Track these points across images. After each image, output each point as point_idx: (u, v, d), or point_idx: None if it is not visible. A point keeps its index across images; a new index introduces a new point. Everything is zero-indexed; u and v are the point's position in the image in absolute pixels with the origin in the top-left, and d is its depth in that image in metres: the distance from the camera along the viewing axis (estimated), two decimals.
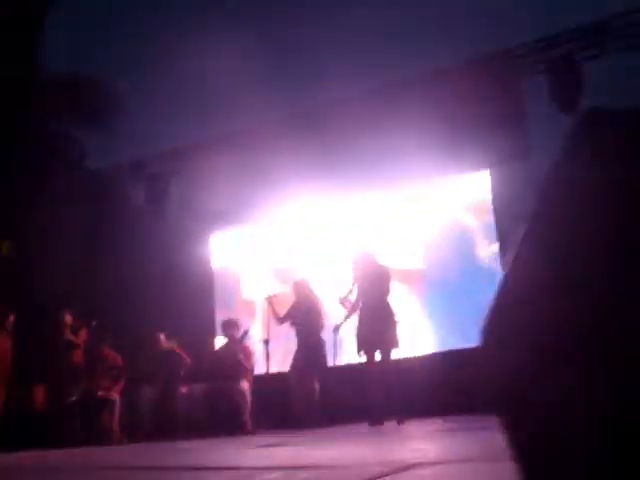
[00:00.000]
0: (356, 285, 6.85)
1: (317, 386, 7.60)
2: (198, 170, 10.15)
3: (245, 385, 7.86)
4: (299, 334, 7.85)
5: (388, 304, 6.68)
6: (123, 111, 8.88)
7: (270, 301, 8.07)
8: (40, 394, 9.15)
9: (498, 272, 8.56)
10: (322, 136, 9.23)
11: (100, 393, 8.44)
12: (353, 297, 6.91)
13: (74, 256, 11.00)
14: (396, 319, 6.65)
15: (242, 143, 9.68)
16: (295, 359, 7.72)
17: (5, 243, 8.28)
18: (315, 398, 7.56)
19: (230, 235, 10.67)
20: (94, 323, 8.82)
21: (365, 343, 6.50)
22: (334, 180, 9.30)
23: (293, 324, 7.93)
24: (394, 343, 6.57)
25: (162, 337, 8.78)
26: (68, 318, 9.05)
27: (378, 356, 6.63)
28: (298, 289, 8.03)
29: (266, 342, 8.05)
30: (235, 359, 7.99)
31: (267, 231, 10.34)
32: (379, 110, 8.99)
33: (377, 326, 6.47)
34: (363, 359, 6.61)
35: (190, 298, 9.85)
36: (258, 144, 9.55)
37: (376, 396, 6.47)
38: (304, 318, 7.79)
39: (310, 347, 7.66)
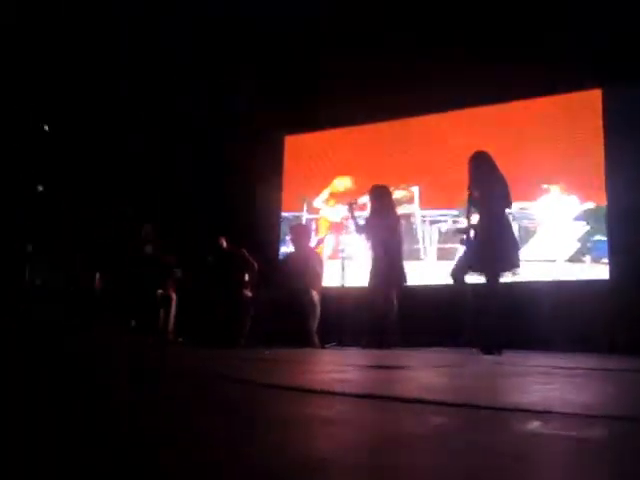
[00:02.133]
0: (471, 191, 5.58)
1: (396, 304, 6.58)
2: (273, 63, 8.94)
3: (315, 296, 6.90)
4: (375, 247, 6.78)
5: (506, 218, 5.49)
6: None
7: (352, 207, 6.93)
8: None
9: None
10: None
11: (160, 291, 7.66)
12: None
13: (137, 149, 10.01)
14: (514, 236, 5.50)
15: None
16: (373, 274, 6.68)
17: None
18: (394, 316, 6.55)
19: (305, 139, 9.49)
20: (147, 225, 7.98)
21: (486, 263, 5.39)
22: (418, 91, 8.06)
23: (370, 235, 6.84)
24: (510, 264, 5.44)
25: (224, 240, 7.85)
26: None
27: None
28: (376, 195, 6.89)
29: (342, 252, 7.01)
30: (307, 266, 6.99)
31: (343, 138, 9.14)
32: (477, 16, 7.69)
33: (489, 243, 5.32)
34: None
35: (258, 203, 8.82)
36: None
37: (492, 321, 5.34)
38: (382, 229, 6.70)
39: (388, 261, 6.60)
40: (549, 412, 1.61)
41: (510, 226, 5.47)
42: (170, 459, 0.99)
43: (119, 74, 9.07)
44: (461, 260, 5.60)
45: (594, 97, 7.51)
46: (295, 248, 7.39)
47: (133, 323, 7.80)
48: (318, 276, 7.04)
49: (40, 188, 8.40)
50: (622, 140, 6.94)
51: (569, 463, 1.06)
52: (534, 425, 1.43)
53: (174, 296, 7.76)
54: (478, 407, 1.67)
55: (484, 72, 7.35)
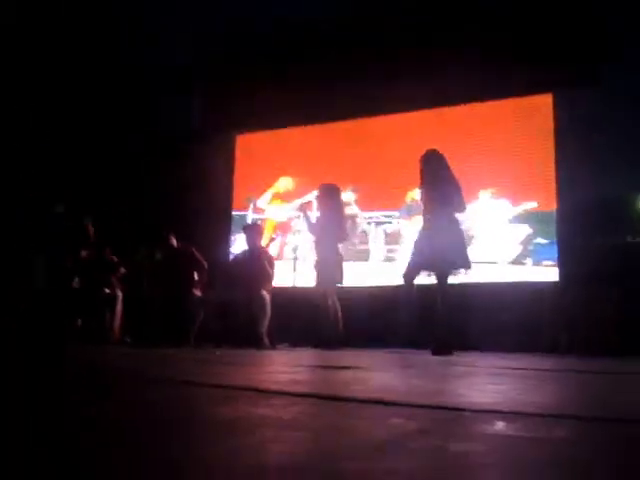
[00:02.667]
0: (422, 190, 5.54)
1: (337, 304, 6.45)
2: (227, 67, 8.83)
3: (266, 296, 6.78)
4: (317, 246, 6.68)
5: (456, 218, 5.46)
6: None
7: (304, 208, 6.83)
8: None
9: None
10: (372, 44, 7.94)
11: (107, 291, 7.45)
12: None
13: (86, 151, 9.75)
14: (464, 237, 5.46)
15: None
16: (324, 273, 6.58)
17: None
18: (337, 316, 6.44)
19: (256, 138, 9.35)
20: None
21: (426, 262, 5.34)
22: (373, 92, 8.06)
23: (320, 234, 6.71)
24: (461, 264, 5.39)
25: (173, 238, 7.65)
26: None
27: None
28: (327, 194, 6.73)
29: (295, 251, 6.87)
30: (257, 265, 6.87)
31: (294, 137, 9.03)
32: (432, 18, 7.73)
33: (440, 243, 5.26)
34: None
35: (207, 203, 8.63)
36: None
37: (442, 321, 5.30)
38: (332, 227, 6.60)
39: (326, 261, 6.49)
40: (513, 412, 1.56)
41: (460, 227, 5.44)
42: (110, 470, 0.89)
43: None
44: (411, 262, 5.54)
45: (545, 101, 7.59)
46: (247, 247, 7.26)
47: (79, 323, 7.58)
48: (269, 276, 6.94)
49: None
50: (572, 144, 7.03)
51: (540, 464, 1.00)
52: (500, 426, 1.36)
53: (120, 295, 7.55)
54: (440, 408, 1.60)
55: (426, 75, 7.40)
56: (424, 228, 5.47)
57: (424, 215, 5.48)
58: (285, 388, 1.97)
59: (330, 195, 6.65)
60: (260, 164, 9.11)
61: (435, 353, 5.13)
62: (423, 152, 5.58)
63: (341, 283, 6.49)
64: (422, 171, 5.49)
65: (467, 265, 5.36)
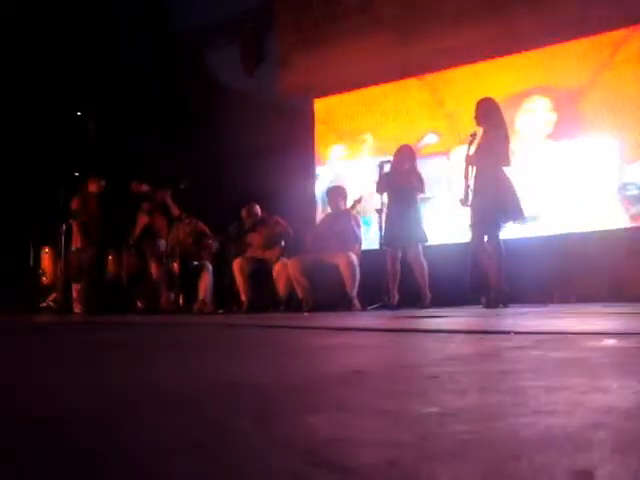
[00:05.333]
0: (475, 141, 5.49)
1: (423, 261, 6.44)
2: (298, 26, 8.86)
3: (353, 257, 6.84)
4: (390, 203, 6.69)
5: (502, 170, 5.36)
6: None
7: (382, 165, 6.80)
8: (131, 259, 8.40)
9: None
10: None
11: (195, 262, 7.76)
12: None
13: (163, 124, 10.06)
14: (514, 189, 5.38)
15: None
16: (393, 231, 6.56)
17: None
18: (422, 275, 6.44)
19: (333, 101, 9.40)
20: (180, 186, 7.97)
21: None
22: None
23: (391, 193, 6.70)
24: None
25: (257, 207, 7.83)
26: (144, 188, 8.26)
27: None
28: (396, 153, 6.71)
29: (379, 212, 6.85)
30: (344, 227, 6.95)
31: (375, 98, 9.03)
32: None
33: (496, 196, 5.24)
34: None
35: (289, 171, 8.72)
36: None
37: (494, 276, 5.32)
38: (395, 186, 6.57)
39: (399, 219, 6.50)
40: (619, 333, 1.62)
41: (507, 179, 5.40)
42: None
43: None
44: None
45: None
46: (332, 210, 7.36)
47: (172, 297, 7.91)
48: (357, 238, 7.00)
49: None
50: None
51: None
52: (603, 342, 1.43)
53: (210, 266, 7.83)
54: (541, 333, 1.68)
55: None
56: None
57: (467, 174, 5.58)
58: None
59: (408, 157, 6.67)
60: (339, 126, 9.17)
61: (487, 306, 5.21)
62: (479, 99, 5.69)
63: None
64: (481, 116, 5.57)
65: (517, 217, 5.38)
